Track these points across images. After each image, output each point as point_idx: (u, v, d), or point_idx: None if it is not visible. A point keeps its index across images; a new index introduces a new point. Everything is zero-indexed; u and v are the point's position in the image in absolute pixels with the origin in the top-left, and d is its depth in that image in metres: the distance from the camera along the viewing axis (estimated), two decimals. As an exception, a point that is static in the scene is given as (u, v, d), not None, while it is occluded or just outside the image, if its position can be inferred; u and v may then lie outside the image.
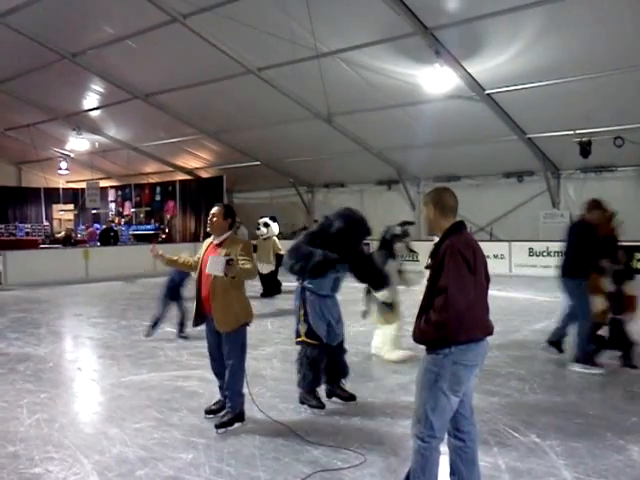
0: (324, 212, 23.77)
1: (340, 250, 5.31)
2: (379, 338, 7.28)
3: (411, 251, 7.51)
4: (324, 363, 5.41)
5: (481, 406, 5.12)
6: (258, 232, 13.07)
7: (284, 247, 22.91)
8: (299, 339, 5.47)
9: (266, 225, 13.00)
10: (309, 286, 5.38)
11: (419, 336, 3.36)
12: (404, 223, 7.50)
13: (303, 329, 5.39)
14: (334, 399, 5.54)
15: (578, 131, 14.66)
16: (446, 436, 3.44)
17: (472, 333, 3.28)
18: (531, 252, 16.77)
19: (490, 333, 3.42)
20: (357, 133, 17.49)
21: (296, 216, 23.41)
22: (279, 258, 12.10)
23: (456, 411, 3.37)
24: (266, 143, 19.55)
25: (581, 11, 10.65)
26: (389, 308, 7.14)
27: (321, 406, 5.30)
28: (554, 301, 11.00)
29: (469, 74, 13.21)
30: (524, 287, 14.00)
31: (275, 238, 13.14)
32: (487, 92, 13.92)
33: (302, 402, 5.38)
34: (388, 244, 7.23)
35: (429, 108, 14.66)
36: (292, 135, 18.26)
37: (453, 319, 3.18)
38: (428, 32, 11.76)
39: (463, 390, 3.33)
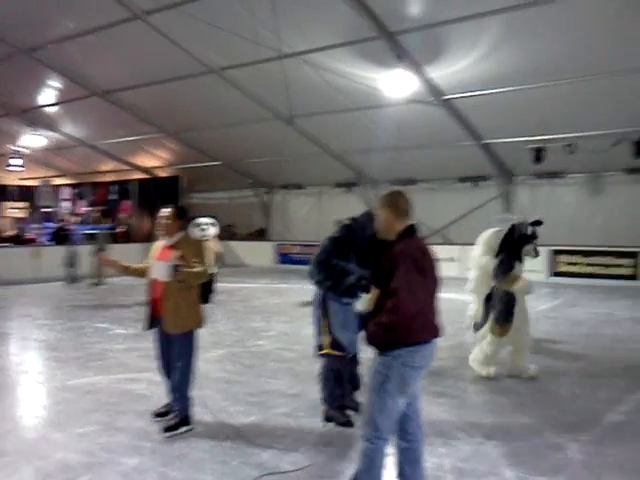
0: (282, 213, 23.86)
1: (372, 256, 5.12)
2: (478, 350, 6.61)
3: (537, 255, 6.82)
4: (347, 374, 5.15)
5: (428, 407, 5.16)
6: (201, 233, 12.33)
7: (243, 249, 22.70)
8: (323, 352, 5.00)
9: (208, 225, 12.29)
10: (333, 295, 4.95)
11: (370, 338, 3.37)
12: (535, 222, 6.78)
13: (327, 340, 4.95)
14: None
15: (532, 138, 15.01)
16: (394, 437, 3.47)
17: (421, 335, 3.32)
18: (485, 256, 17.04)
19: (438, 335, 3.46)
20: (318, 135, 17.51)
21: (254, 217, 23.36)
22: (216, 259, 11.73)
23: (403, 413, 3.39)
24: (227, 143, 19.41)
25: (539, 21, 10.86)
26: (507, 319, 6.41)
27: (350, 424, 4.93)
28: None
29: (429, 79, 13.37)
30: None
31: (214, 239, 12.49)
32: (446, 97, 14.10)
33: (329, 420, 5.01)
34: (515, 245, 6.53)
35: (390, 112, 14.78)
36: (253, 136, 18.17)
37: (403, 321, 3.20)
38: (391, 36, 11.86)
39: (411, 392, 3.36)
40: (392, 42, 11.98)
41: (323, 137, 17.62)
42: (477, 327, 6.79)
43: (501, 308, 6.41)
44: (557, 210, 16.56)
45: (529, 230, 6.62)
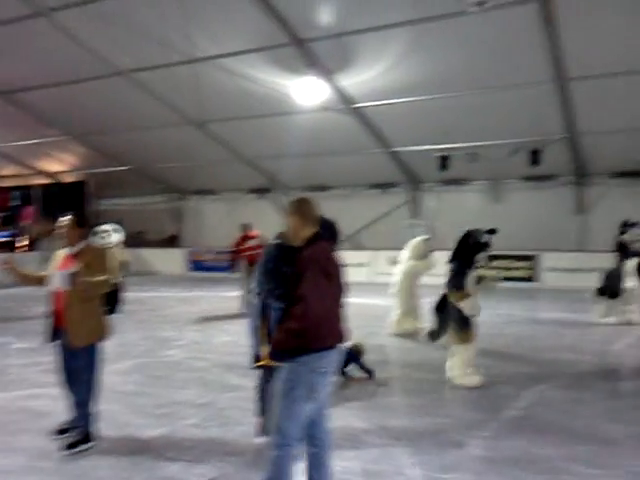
0: (194, 220, 23.35)
1: None
2: (452, 360, 6.53)
3: (489, 262, 6.74)
4: None
5: (337, 411, 5.25)
6: (102, 241, 11.70)
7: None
8: (260, 363, 4.68)
9: (110, 232, 11.73)
10: (275, 305, 4.53)
11: (277, 345, 3.39)
12: (490, 231, 6.70)
13: (267, 351, 4.66)
14: None
15: (438, 146, 15.60)
16: (302, 443, 3.50)
17: (328, 341, 3.37)
18: (392, 261, 17.47)
19: (343, 340, 3.53)
20: (231, 141, 17.40)
21: (166, 224, 22.88)
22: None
23: (311, 418, 3.43)
24: (137, 148, 18.90)
25: (443, 34, 11.32)
26: (467, 326, 6.41)
27: None
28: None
29: (340, 87, 13.62)
30: (385, 294, 14.55)
31: (119, 247, 11.98)
32: (357, 105, 14.41)
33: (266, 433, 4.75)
34: (468, 252, 6.50)
35: (301, 119, 14.91)
36: (164, 140, 17.80)
37: (311, 327, 3.24)
38: (302, 43, 11.99)
39: (318, 397, 3.41)
40: (303, 49, 12.12)
41: (236, 143, 17.53)
42: (433, 337, 6.77)
43: (457, 316, 6.42)
44: (461, 215, 17.21)
45: (484, 238, 6.57)
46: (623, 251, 10.10)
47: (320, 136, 15.70)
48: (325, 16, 11.36)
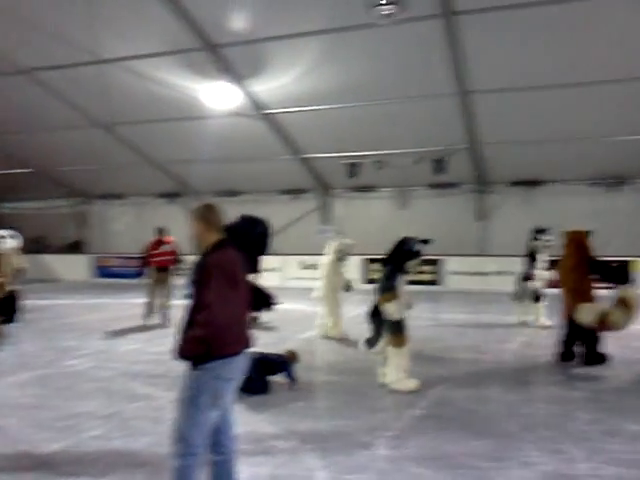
0: (100, 225, 22.55)
1: (253, 257, 4.93)
2: (388, 366, 6.53)
3: (419, 272, 6.89)
4: None
5: (243, 417, 5.28)
6: None
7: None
8: None
9: (8, 237, 11.02)
10: None
11: (181, 352, 3.36)
12: (425, 241, 6.85)
13: None
14: None
15: (347, 154, 15.95)
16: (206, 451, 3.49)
17: (233, 347, 3.37)
18: (303, 265, 17.75)
19: (249, 346, 3.56)
20: (139, 144, 16.99)
21: (69, 229, 22.00)
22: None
23: (216, 426, 3.43)
24: (39, 150, 18.04)
25: (353, 45, 11.61)
26: (400, 329, 6.46)
27: None
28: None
29: (252, 93, 13.63)
30: (296, 299, 14.68)
31: (15, 253, 11.29)
32: (268, 112, 14.48)
33: None
34: (401, 259, 6.58)
35: (213, 124, 14.79)
36: (69, 143, 17.10)
37: (215, 334, 3.23)
38: (214, 48, 11.91)
39: (223, 404, 3.41)
40: (215, 54, 12.06)
41: (145, 146, 17.14)
42: (370, 344, 6.77)
43: (390, 321, 6.49)
44: (370, 221, 17.78)
45: (417, 247, 6.73)
46: (533, 256, 10.63)
47: (232, 141, 15.65)
48: (238, 22, 11.35)
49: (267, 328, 10.26)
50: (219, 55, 12.12)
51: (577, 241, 7.89)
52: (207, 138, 15.19)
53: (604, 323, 7.38)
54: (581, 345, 7.69)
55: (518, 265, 11.26)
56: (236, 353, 3.40)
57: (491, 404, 5.95)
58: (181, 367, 3.51)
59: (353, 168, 16.33)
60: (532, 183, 17.08)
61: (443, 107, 13.35)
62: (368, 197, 18.59)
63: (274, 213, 18.92)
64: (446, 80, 12.25)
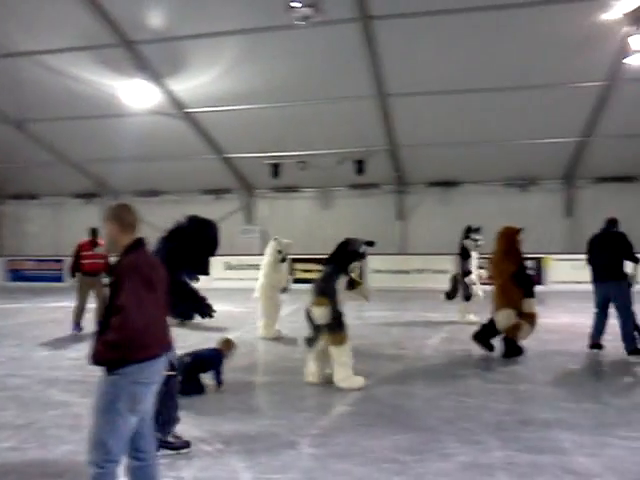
0: (13, 226, 21.61)
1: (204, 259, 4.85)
2: (337, 369, 6.48)
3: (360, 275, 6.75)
4: None
5: (172, 422, 5.21)
6: None
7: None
8: (167, 373, 4.54)
9: None
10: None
11: (96, 358, 3.25)
12: (370, 243, 6.97)
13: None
14: None
15: (270, 154, 15.97)
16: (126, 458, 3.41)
17: (151, 351, 3.29)
18: (228, 266, 17.60)
19: (169, 349, 3.50)
20: (54, 142, 16.35)
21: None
22: None
23: (135, 431, 3.36)
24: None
25: (274, 45, 11.65)
26: (340, 327, 6.45)
27: (187, 444, 4.70)
28: (247, 311, 11.76)
29: (171, 92, 13.40)
30: (221, 299, 14.53)
31: None
32: (188, 111, 14.28)
33: (165, 447, 4.57)
34: (345, 260, 6.61)
35: (131, 122, 14.45)
36: (-26, 140, 16.26)
37: (131, 338, 3.15)
38: (130, 45, 11.63)
39: (142, 409, 3.34)
40: (132, 51, 11.80)
41: (61, 144, 16.52)
42: (310, 343, 6.72)
43: (332, 317, 6.49)
44: (293, 222, 17.85)
45: (361, 249, 6.82)
46: (465, 255, 10.83)
47: (152, 140, 15.33)
48: (155, 19, 11.18)
49: (196, 328, 10.10)
50: (136, 52, 11.87)
51: (505, 236, 8.17)
52: (126, 137, 14.82)
53: (513, 333, 7.82)
54: (501, 339, 8.03)
55: (437, 263, 11.61)
56: (154, 356, 3.32)
57: (414, 399, 6.13)
58: (101, 372, 3.43)
59: (276, 168, 16.38)
60: (449, 184, 17.67)
61: (363, 109, 13.61)
62: (291, 197, 18.68)
63: (196, 213, 18.80)
64: (365, 83, 12.51)
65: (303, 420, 5.46)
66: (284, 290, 9.98)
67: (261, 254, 17.22)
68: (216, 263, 18.87)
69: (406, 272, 16.89)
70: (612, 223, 8.47)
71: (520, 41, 11.30)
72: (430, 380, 6.84)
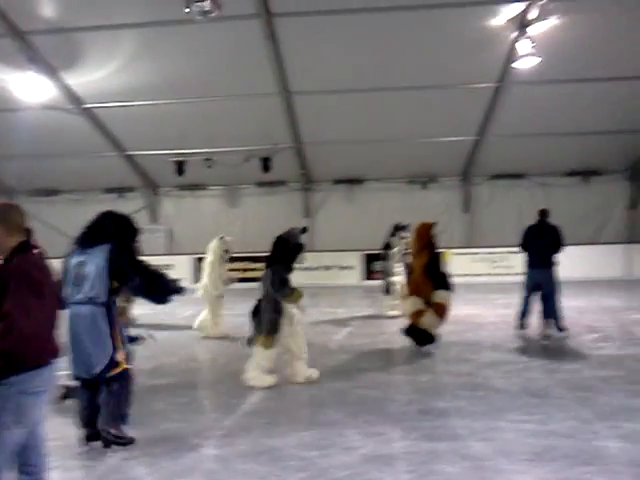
0: None
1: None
2: (253, 366, 6.45)
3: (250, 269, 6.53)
4: (84, 404, 4.80)
5: (62, 428, 5.02)
6: None
7: None
8: (120, 369, 4.63)
9: None
10: (114, 304, 4.71)
11: None
12: (304, 229, 6.80)
13: (123, 356, 4.65)
14: None
15: (174, 151, 15.65)
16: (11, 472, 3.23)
17: (40, 358, 3.15)
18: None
19: (58, 356, 3.34)
20: None
21: None
22: None
23: (23, 443, 3.19)
24: None
25: (174, 39, 11.43)
26: (276, 331, 6.37)
27: (132, 440, 4.76)
28: (152, 313, 11.46)
29: (67, 86, 12.85)
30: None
31: None
32: (86, 106, 13.74)
33: (116, 442, 4.67)
34: (290, 254, 6.45)
35: (25, 117, 13.70)
36: None
37: (18, 346, 2.99)
38: (21, 36, 11.04)
39: (31, 420, 3.18)
40: (23, 42, 11.21)
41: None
42: (250, 342, 6.62)
43: (268, 319, 6.42)
44: (200, 220, 17.58)
45: (301, 239, 6.73)
46: (387, 251, 11.11)
47: (48, 136, 14.62)
48: (48, 9, 10.72)
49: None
50: (27, 43, 11.29)
51: (420, 231, 8.50)
52: (20, 132, 14.04)
53: (415, 320, 8.10)
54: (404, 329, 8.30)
55: (344, 259, 11.80)
56: (44, 364, 3.16)
57: (318, 394, 6.21)
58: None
59: (180, 166, 16.06)
60: (354, 181, 18.00)
61: (268, 106, 13.62)
62: (198, 195, 18.37)
63: (97, 212, 18.19)
64: (269, 80, 12.53)
65: (208, 421, 5.42)
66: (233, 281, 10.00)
67: (167, 254, 17.22)
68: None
69: (313, 269, 17.03)
70: (545, 214, 9.19)
71: (419, 42, 11.69)
72: (335, 375, 6.96)
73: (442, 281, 8.19)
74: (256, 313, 6.64)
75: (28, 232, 3.31)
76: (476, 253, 16.72)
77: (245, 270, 16.71)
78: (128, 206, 18.08)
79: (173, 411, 5.80)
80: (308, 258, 17.24)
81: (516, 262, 16.48)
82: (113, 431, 4.66)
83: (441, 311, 8.09)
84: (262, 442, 4.84)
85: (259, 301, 6.69)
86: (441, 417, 5.33)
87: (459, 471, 4.13)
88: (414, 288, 8.21)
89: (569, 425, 4.98)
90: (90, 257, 4.59)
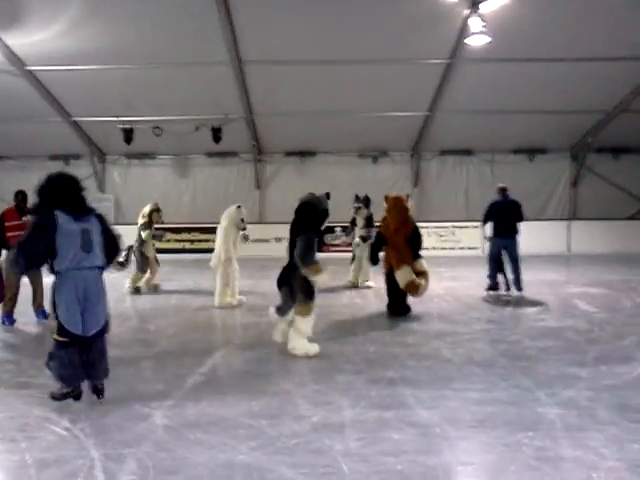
0: None
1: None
2: (294, 336, 6.45)
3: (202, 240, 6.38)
4: (78, 362, 4.93)
5: (10, 401, 4.92)
6: None
7: None
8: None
9: None
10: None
11: None
12: (328, 195, 6.71)
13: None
14: None
15: (121, 118, 15.22)
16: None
17: None
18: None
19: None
20: None
21: None
22: None
23: None
24: None
25: (120, 3, 11.05)
26: (311, 299, 6.38)
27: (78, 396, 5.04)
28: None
29: (7, 46, 12.29)
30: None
31: None
32: (29, 68, 13.19)
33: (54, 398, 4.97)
34: (319, 221, 6.49)
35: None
36: None
37: None
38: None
39: None
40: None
41: None
42: (282, 311, 6.56)
43: (301, 287, 6.38)
44: (149, 189, 17.23)
45: (327, 204, 6.66)
46: (353, 221, 11.47)
47: (-13, 99, 14.00)
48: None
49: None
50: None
51: (398, 205, 8.75)
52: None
53: (411, 289, 8.44)
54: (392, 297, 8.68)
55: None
56: None
57: (268, 365, 6.25)
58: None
59: (128, 133, 15.64)
60: (305, 154, 17.94)
61: (218, 75, 13.39)
62: (146, 164, 18.00)
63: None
64: (219, 48, 12.29)
65: (156, 391, 5.37)
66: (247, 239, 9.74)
67: (115, 223, 16.80)
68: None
69: (265, 241, 17.00)
70: (505, 191, 10.44)
71: (373, 16, 11.63)
72: (284, 346, 6.99)
73: (418, 250, 8.69)
74: (282, 282, 6.58)
75: None
76: (425, 227, 16.97)
77: (193, 241, 16.58)
78: (74, 174, 17.63)
79: (120, 382, 5.73)
80: (259, 230, 17.25)
81: (463, 236, 17.02)
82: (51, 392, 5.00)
83: (427, 277, 8.63)
84: (212, 412, 4.84)
85: (284, 269, 6.62)
86: (389, 386, 5.45)
87: (407, 438, 4.24)
88: (400, 258, 8.45)
89: (511, 393, 5.17)
90: (90, 225, 4.88)
